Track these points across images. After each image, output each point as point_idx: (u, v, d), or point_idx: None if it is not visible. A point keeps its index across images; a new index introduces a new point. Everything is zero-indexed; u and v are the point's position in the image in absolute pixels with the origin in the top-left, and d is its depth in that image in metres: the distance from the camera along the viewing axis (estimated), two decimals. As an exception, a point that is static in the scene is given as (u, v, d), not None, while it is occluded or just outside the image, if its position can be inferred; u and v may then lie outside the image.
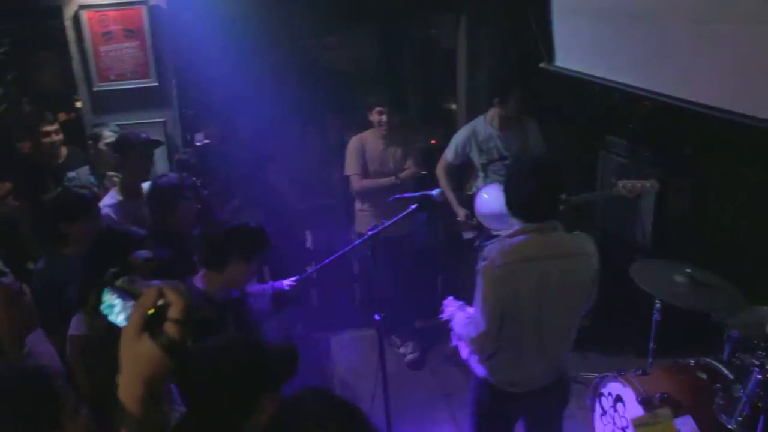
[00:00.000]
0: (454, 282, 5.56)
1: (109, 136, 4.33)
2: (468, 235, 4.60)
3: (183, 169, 4.38)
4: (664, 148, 4.78)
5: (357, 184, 4.75)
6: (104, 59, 4.58)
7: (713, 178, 4.86)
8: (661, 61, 2.68)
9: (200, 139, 4.28)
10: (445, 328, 5.34)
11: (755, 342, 3.39)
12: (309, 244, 5.39)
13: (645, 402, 3.33)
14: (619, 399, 3.57)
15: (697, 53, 2.39)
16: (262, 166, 5.30)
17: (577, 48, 3.30)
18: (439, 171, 4.71)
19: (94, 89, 4.62)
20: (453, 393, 4.63)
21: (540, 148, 4.48)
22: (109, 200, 3.85)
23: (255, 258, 3.01)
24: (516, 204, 2.73)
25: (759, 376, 3.07)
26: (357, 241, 3.61)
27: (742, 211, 4.80)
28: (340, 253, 3.56)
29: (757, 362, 3.11)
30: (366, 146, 4.72)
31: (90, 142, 4.46)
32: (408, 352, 5.04)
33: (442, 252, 5.53)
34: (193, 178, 3.91)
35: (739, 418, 3.10)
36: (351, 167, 4.75)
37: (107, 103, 4.63)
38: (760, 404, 3.00)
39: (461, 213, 4.57)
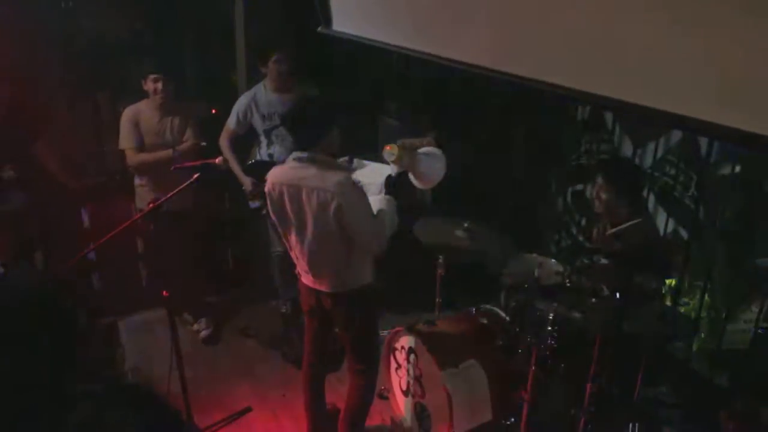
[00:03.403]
0: (245, 253, 5.49)
1: None
2: (255, 204, 4.53)
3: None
4: (440, 112, 5.02)
5: (132, 158, 4.47)
6: None
7: (483, 139, 5.19)
8: (430, 22, 2.79)
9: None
10: (237, 302, 5.32)
11: (525, 285, 3.71)
12: (86, 224, 5.01)
13: (434, 351, 3.52)
14: (411, 351, 3.73)
15: (462, 10, 2.51)
16: (26, 145, 4.84)
17: (353, 11, 3.33)
18: (223, 141, 4.58)
19: None
20: (251, 365, 4.59)
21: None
22: None
23: None
24: None
25: (530, 316, 3.36)
26: (136, 217, 3.40)
27: (508, 168, 5.19)
28: (117, 230, 3.33)
29: (528, 303, 3.40)
30: (140, 118, 4.45)
31: None
32: (202, 328, 4.90)
33: (230, 224, 5.42)
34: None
35: (516, 355, 3.39)
36: (125, 141, 4.45)
37: None
38: (530, 339, 3.29)
39: (247, 182, 4.49)
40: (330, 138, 3.19)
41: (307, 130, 3.18)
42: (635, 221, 3.53)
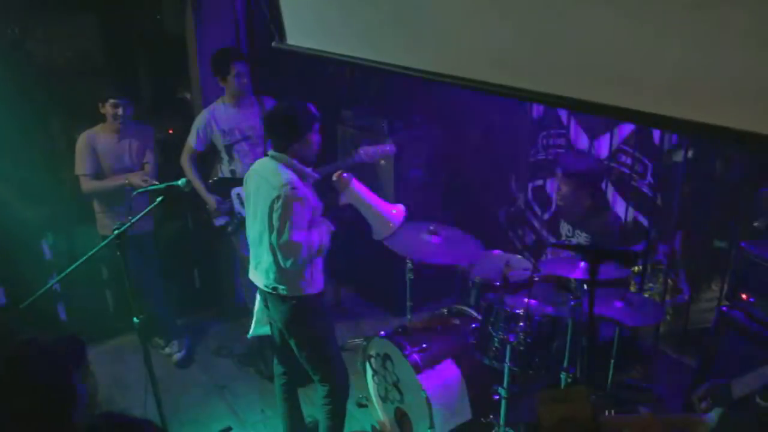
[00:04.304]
0: (212, 272, 5.45)
1: None
2: (220, 221, 4.51)
3: None
4: (398, 118, 5.06)
5: (85, 185, 4.40)
6: None
7: (443, 144, 5.24)
8: (385, 32, 2.81)
9: None
10: (208, 322, 5.29)
11: (495, 283, 3.76)
12: (47, 255, 4.91)
13: (409, 355, 3.55)
14: (387, 357, 3.75)
15: (417, 19, 2.54)
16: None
17: (305, 25, 3.34)
18: (184, 160, 4.54)
19: None
20: (227, 385, 4.56)
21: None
22: None
23: None
24: None
25: (501, 313, 3.41)
26: (101, 244, 3.36)
27: (468, 169, 5.26)
28: (82, 259, 3.28)
29: (498, 300, 3.44)
30: (98, 142, 4.39)
31: None
32: (174, 351, 4.85)
33: (194, 244, 5.37)
34: None
35: (491, 353, 3.42)
36: (80, 167, 4.38)
37: None
38: (503, 336, 3.33)
39: (210, 201, 4.47)
40: (303, 143, 3.34)
41: (281, 133, 3.35)
42: (600, 219, 3.60)
